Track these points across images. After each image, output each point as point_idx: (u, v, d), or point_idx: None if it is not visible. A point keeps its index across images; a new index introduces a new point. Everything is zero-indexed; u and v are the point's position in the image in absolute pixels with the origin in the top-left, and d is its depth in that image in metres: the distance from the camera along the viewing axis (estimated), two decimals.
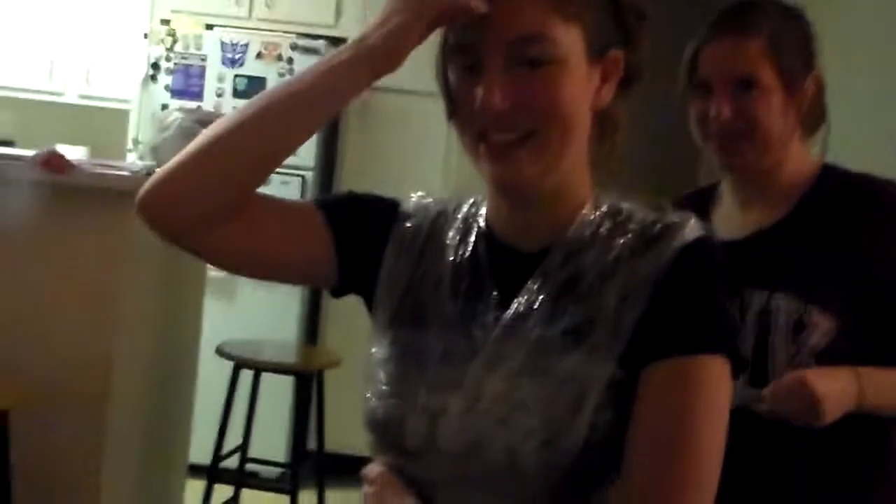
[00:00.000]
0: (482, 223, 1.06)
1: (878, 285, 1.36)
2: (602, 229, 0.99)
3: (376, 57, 0.96)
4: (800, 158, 1.46)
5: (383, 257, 1.06)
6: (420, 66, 0.99)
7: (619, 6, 0.99)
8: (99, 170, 2.49)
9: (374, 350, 1.05)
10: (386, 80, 1.00)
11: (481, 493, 0.94)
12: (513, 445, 0.91)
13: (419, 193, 1.14)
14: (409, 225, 1.08)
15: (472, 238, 1.05)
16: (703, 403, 0.89)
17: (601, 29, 0.97)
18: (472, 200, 1.10)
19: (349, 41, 0.98)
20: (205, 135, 0.98)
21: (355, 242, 1.06)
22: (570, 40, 0.94)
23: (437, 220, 1.09)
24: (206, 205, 0.98)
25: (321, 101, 0.98)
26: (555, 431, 0.90)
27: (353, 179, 4.33)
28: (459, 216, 1.08)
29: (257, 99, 0.99)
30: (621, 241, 0.97)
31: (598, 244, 0.97)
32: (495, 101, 0.92)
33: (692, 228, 0.95)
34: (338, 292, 1.11)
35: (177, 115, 2.66)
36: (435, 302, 1.03)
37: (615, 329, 0.93)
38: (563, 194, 1.00)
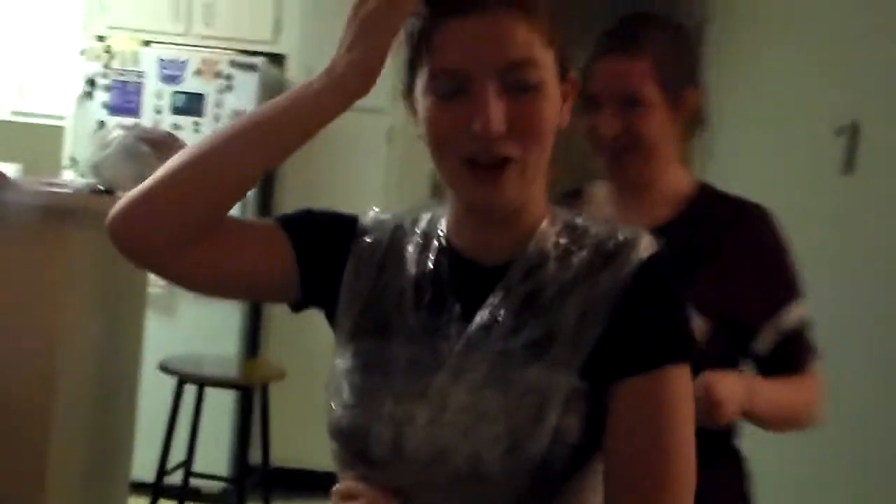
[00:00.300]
0: (443, 237, 1.08)
1: (736, 298, 1.46)
2: (561, 243, 1.02)
3: (347, 83, 0.99)
4: (680, 170, 1.56)
5: (344, 271, 1.09)
6: None
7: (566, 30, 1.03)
8: (38, 188, 2.48)
9: (337, 361, 1.07)
10: None
11: (446, 500, 0.96)
12: (477, 453, 0.93)
13: (375, 209, 1.16)
14: (368, 240, 1.10)
15: (433, 252, 1.07)
16: (673, 416, 0.94)
17: (565, 51, 1.02)
18: (430, 215, 1.12)
19: (319, 72, 1.00)
20: (177, 158, 1.00)
21: (316, 258, 1.08)
22: (548, 63, 0.98)
23: (396, 234, 1.11)
24: (179, 227, 1.00)
25: (293, 128, 1.01)
26: (519, 438, 0.93)
27: (294, 194, 4.33)
28: (418, 230, 1.11)
29: (230, 125, 1.02)
30: (579, 256, 1.01)
31: (557, 259, 1.01)
32: (494, 126, 0.94)
33: (646, 245, 1.00)
34: (298, 307, 1.13)
35: (118, 132, 2.66)
36: (398, 314, 1.05)
37: (574, 343, 0.96)
38: (526, 211, 1.03)
